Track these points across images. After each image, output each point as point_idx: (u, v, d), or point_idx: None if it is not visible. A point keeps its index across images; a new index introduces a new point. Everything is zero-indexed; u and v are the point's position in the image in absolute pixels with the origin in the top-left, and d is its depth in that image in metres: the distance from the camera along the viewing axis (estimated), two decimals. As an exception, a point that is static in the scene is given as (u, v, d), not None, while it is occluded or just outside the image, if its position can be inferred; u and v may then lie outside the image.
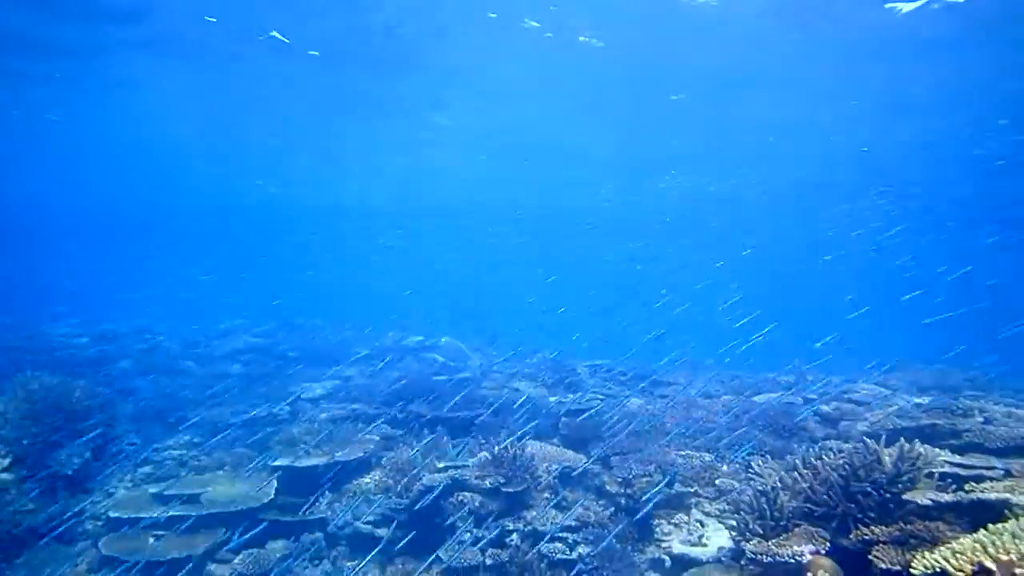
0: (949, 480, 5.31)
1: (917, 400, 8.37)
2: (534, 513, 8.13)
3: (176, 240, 55.53)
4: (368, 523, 8.55)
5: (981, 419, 7.36)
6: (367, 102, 20.58)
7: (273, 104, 21.29)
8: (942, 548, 3.84)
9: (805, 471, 5.88)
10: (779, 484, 6.08)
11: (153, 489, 9.00)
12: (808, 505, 5.66)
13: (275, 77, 18.73)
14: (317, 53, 16.83)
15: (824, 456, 5.93)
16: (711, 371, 15.07)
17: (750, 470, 8.31)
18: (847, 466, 5.59)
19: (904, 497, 5.03)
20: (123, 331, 18.59)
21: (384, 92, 19.48)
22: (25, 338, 16.17)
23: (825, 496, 5.54)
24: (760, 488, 6.21)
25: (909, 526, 4.64)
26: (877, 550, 4.51)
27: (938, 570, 3.65)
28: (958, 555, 3.61)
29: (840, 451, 6.00)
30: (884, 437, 5.73)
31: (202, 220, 47.20)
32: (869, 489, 5.32)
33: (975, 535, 3.73)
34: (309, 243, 52.68)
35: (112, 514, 8.15)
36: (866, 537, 4.80)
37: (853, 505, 5.34)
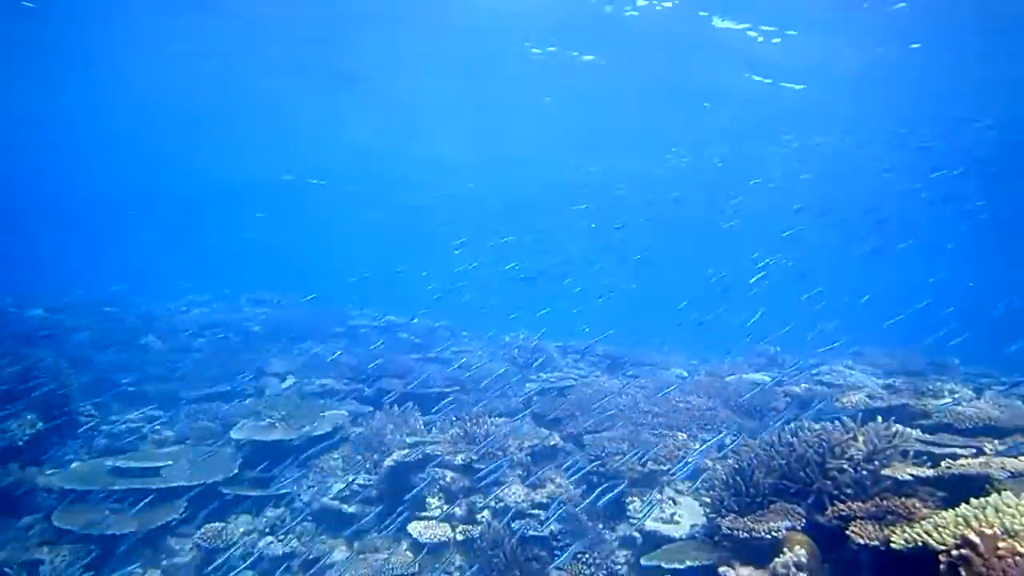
0: (924, 458, 5.34)
1: (887, 382, 8.48)
2: (505, 490, 8.02)
3: (138, 212, 53.81)
4: (336, 499, 8.36)
5: (951, 400, 7.45)
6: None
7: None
8: (923, 523, 3.81)
9: (782, 448, 5.85)
10: (755, 461, 6.05)
11: (110, 462, 8.66)
12: (784, 482, 5.64)
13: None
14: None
15: (800, 433, 5.91)
16: (683, 354, 15.16)
17: (723, 448, 8.33)
18: (824, 443, 5.58)
19: (882, 473, 5.03)
20: (81, 303, 17.89)
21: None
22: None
23: (801, 473, 5.52)
24: (735, 465, 6.19)
25: (885, 502, 4.63)
26: (854, 526, 4.49)
27: (920, 544, 3.62)
28: (940, 529, 3.59)
29: (815, 429, 5.98)
30: (860, 416, 5.73)
31: (167, 192, 45.85)
32: (845, 466, 5.32)
33: (957, 509, 3.70)
34: (270, 218, 51.65)
35: (66, 486, 7.81)
36: (843, 513, 4.78)
37: (829, 482, 5.33)
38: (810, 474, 5.45)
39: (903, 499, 4.59)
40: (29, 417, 8.26)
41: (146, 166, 36.24)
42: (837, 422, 5.80)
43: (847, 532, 4.51)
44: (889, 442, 5.33)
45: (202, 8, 16.33)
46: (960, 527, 3.47)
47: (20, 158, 35.01)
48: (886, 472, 4.97)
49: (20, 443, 8.05)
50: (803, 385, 9.41)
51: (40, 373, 8.91)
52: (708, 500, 6.34)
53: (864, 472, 5.19)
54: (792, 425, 6.49)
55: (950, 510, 3.75)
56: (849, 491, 5.17)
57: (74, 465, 8.59)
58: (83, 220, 57.65)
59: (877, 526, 4.40)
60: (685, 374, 11.71)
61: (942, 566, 3.29)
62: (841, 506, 4.91)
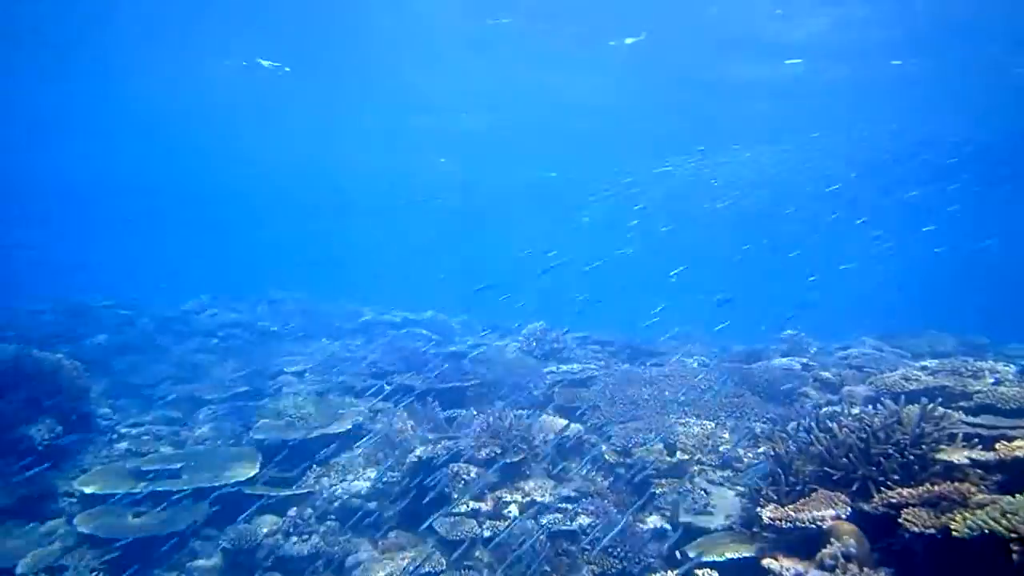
0: (976, 440, 5.10)
1: (924, 363, 8.23)
2: (532, 484, 7.86)
3: (152, 214, 53.99)
4: (358, 497, 8.22)
5: (992, 380, 7.20)
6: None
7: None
8: (987, 508, 3.60)
9: (821, 434, 5.63)
10: (792, 448, 5.85)
11: (131, 464, 8.58)
12: (825, 469, 5.42)
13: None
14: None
15: (840, 419, 5.69)
16: (702, 342, 14.90)
17: (753, 437, 8.12)
18: (867, 428, 5.36)
19: (933, 457, 4.81)
20: (96, 305, 17.87)
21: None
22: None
23: (844, 459, 5.30)
24: (772, 453, 5.98)
25: (938, 487, 4.42)
26: (907, 513, 4.28)
27: (987, 531, 3.41)
28: (1008, 515, 3.37)
29: (855, 413, 5.77)
30: (903, 398, 5.51)
31: (180, 193, 45.94)
32: (891, 451, 5.10)
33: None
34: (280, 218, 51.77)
35: (87, 490, 7.72)
36: (892, 500, 4.57)
37: (874, 468, 5.11)
38: (853, 460, 5.23)
39: (957, 484, 4.37)
40: (48, 422, 8.18)
41: (159, 164, 36.18)
42: (880, 405, 5.56)
43: (899, 520, 4.30)
44: (936, 425, 5.10)
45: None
46: (1032, 513, 3.26)
47: (29, 159, 35.04)
48: (938, 456, 4.74)
49: (40, 448, 7.97)
50: (833, 370, 9.15)
51: (58, 377, 8.83)
52: (744, 490, 6.14)
53: (911, 457, 4.97)
54: (828, 410, 6.29)
55: (1018, 495, 3.53)
56: (896, 477, 4.95)
57: (95, 469, 8.51)
58: (98, 221, 57.84)
59: (932, 513, 4.19)
60: (708, 362, 11.46)
61: (1015, 554, 3.08)
62: (890, 493, 4.69)
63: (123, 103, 24.05)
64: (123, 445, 9.38)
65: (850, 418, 5.75)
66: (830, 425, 5.65)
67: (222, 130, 28.25)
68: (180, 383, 12.68)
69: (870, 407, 6.23)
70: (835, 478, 5.31)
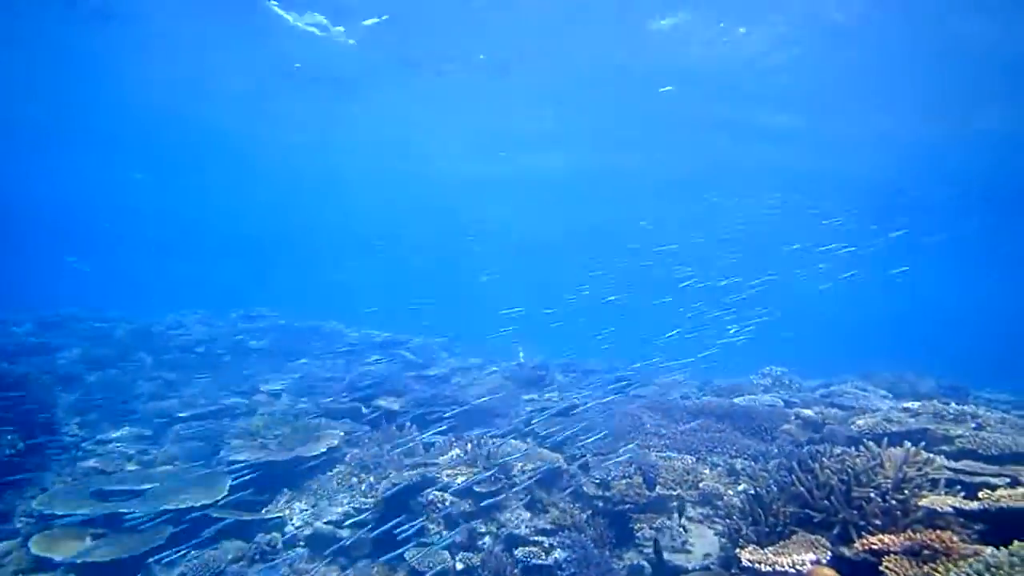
0: (958, 487, 5.03)
1: (906, 404, 8.18)
2: (508, 515, 7.68)
3: (135, 227, 53.42)
4: (330, 523, 7.98)
5: (974, 425, 7.16)
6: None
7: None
8: (972, 560, 3.50)
9: (802, 474, 5.54)
10: (773, 488, 5.74)
11: (94, 484, 8.30)
12: (806, 510, 5.31)
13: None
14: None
15: (822, 459, 5.60)
16: (685, 374, 14.84)
17: (734, 474, 8.01)
18: (848, 470, 5.27)
19: (916, 503, 4.72)
20: (72, 319, 17.51)
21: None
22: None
23: (825, 501, 5.20)
24: (752, 492, 5.87)
25: (920, 535, 4.32)
26: (889, 561, 4.17)
27: (970, 585, 3.31)
28: (993, 570, 3.28)
29: (837, 454, 5.68)
30: (886, 440, 5.43)
31: (164, 207, 45.56)
32: (873, 495, 5.01)
33: (1009, 548, 3.40)
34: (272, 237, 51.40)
35: (45, 511, 7.42)
36: (874, 547, 4.46)
37: (856, 512, 5.01)
38: (835, 503, 5.13)
39: (939, 532, 4.28)
40: (9, 437, 7.90)
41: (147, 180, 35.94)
42: (862, 447, 5.49)
43: (881, 568, 4.19)
44: (919, 470, 5.03)
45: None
46: (1016, 570, 3.16)
47: (20, 170, 34.70)
48: (920, 502, 4.65)
49: (-1, 463, 7.69)
50: (815, 408, 9.09)
51: (24, 391, 8.55)
52: (723, 528, 6.01)
53: (894, 501, 4.88)
54: (810, 449, 6.19)
55: (1001, 548, 3.44)
56: (878, 522, 4.86)
57: (56, 487, 8.21)
58: (75, 234, 57.18)
59: (914, 562, 4.09)
60: (690, 395, 11.38)
61: (999, 610, 2.98)
62: (872, 539, 4.58)
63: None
64: (88, 463, 9.08)
65: (832, 458, 5.67)
66: (812, 465, 5.55)
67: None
68: (153, 399, 12.38)
69: (851, 448, 6.16)
70: (816, 520, 5.21)
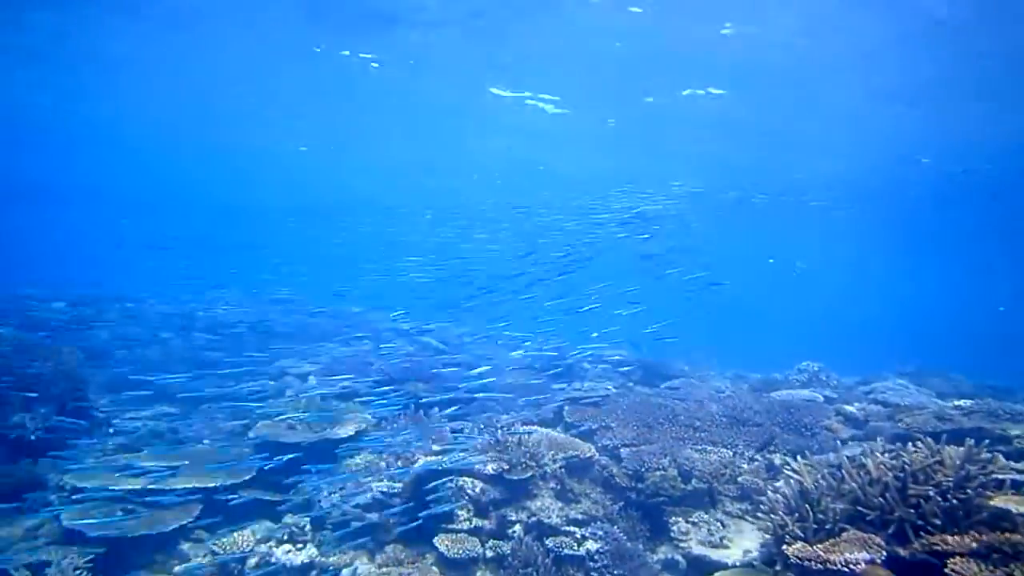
0: (1025, 487, 4.74)
1: (957, 402, 7.84)
2: (539, 503, 7.51)
3: (159, 209, 54.10)
4: (357, 506, 7.88)
5: (1032, 424, 6.84)
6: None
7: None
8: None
9: (853, 470, 5.28)
10: (821, 484, 5.50)
11: (124, 460, 8.29)
12: (857, 508, 5.07)
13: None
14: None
15: (874, 455, 5.34)
16: (715, 366, 14.54)
17: (773, 469, 7.75)
18: (904, 466, 5.01)
19: (980, 503, 4.45)
20: (102, 297, 17.69)
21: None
22: (-6, 302, 15.35)
23: (879, 499, 4.95)
24: (798, 487, 5.63)
25: (987, 537, 4.07)
26: (954, 563, 3.93)
27: (1055, 591, 3.07)
28: (1081, 574, 3.03)
29: (891, 450, 5.42)
30: (944, 437, 5.16)
31: (185, 189, 46.08)
32: (932, 493, 4.74)
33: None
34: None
35: (78, 484, 7.42)
36: (936, 548, 4.21)
37: (913, 510, 4.76)
38: (890, 500, 4.88)
39: (1009, 535, 4.02)
40: (43, 411, 7.92)
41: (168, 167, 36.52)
42: (919, 442, 5.21)
43: (946, 570, 3.94)
44: (982, 468, 4.75)
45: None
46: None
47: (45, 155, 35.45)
48: (993, 502, 4.38)
49: (32, 438, 7.70)
50: (857, 404, 8.78)
51: (57, 367, 8.57)
52: (766, 524, 5.78)
53: (955, 501, 4.61)
54: (865, 446, 5.94)
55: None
56: (938, 522, 4.60)
57: (87, 462, 8.22)
58: (108, 217, 58.13)
59: (983, 565, 3.84)
60: (725, 388, 11.10)
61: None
62: (932, 539, 4.34)
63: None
64: (119, 440, 9.09)
65: (884, 455, 5.40)
66: (864, 461, 5.29)
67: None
68: (181, 379, 12.41)
69: (899, 444, 5.88)
70: (868, 518, 4.96)
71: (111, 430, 9.23)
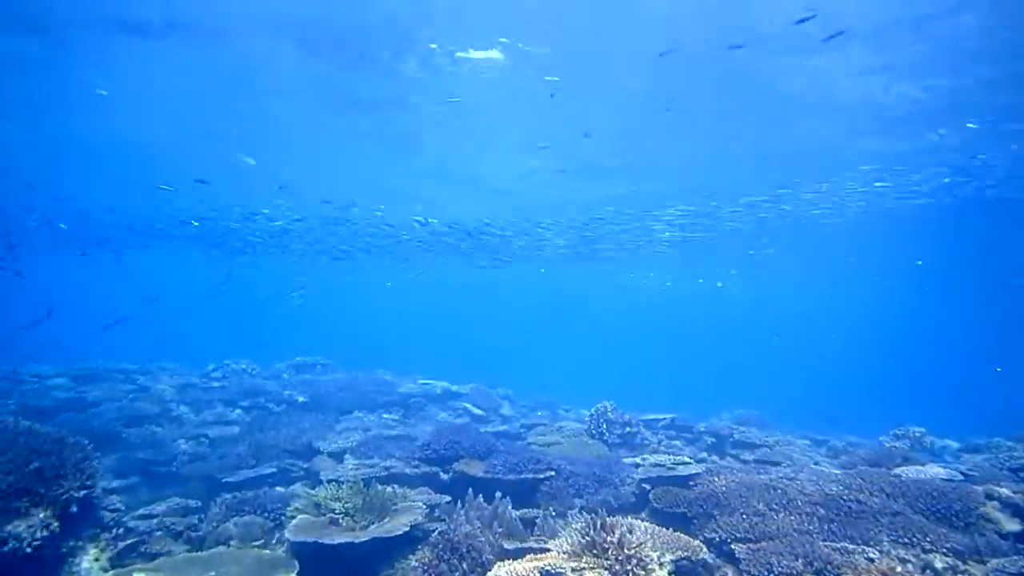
0: None
1: None
2: (652, 624, 6.05)
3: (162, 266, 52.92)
4: (423, 629, 6.42)
5: None
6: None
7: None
8: None
9: None
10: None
11: (137, 569, 6.89)
12: None
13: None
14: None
15: None
16: (790, 430, 13.12)
17: (933, 572, 6.30)
18: None
19: None
20: (105, 370, 16.31)
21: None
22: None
23: None
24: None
25: None
26: None
27: None
28: None
29: None
30: None
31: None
32: None
33: None
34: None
35: (80, 613, 6.01)
36: None
37: None
38: None
39: None
40: (41, 516, 6.54)
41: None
42: None
43: None
44: None
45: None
46: None
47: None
48: None
49: (28, 549, 6.29)
50: (1010, 486, 7.36)
51: (59, 459, 7.23)
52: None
53: None
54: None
55: None
56: None
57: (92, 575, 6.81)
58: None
59: None
60: (820, 460, 9.67)
61: None
62: None
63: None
64: (130, 541, 7.66)
65: None
66: None
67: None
68: (198, 460, 11.02)
69: None
70: None
71: (122, 531, 7.80)
